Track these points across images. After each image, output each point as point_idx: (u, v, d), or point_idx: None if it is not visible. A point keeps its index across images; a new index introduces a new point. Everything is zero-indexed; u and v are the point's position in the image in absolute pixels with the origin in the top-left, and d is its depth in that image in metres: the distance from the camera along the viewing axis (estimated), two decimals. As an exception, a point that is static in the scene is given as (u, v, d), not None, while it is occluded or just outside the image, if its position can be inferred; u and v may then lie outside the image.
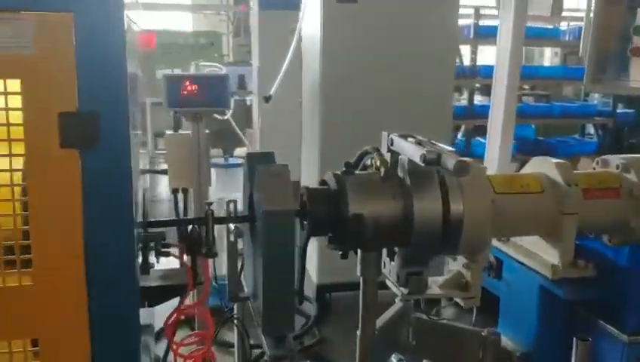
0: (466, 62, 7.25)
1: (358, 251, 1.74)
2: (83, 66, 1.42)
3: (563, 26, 9.74)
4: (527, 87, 8.73)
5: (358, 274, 1.74)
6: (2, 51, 1.37)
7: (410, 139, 1.76)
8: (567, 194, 2.02)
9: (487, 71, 6.05)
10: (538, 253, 2.21)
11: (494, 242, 2.30)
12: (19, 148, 1.43)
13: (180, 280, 1.90)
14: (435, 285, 1.90)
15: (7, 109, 1.41)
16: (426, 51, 4.08)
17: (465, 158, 1.57)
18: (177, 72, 4.60)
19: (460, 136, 7.43)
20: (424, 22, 4.08)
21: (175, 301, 1.99)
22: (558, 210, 2.02)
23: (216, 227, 1.84)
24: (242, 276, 1.99)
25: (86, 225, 1.48)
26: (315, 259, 4.07)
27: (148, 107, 7.18)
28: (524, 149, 6.82)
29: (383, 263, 1.90)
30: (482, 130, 5.56)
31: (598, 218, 2.13)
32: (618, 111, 8.14)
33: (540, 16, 11.20)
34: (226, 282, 1.95)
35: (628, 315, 2.14)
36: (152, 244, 1.84)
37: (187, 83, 3.05)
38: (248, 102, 6.05)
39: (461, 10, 4.70)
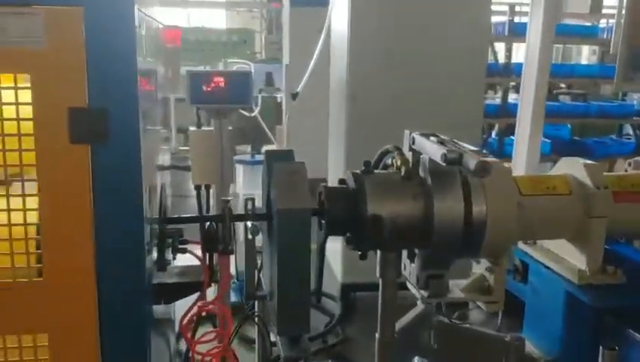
0: (501, 59, 7.15)
1: (378, 252, 1.70)
2: (93, 61, 1.42)
3: (602, 23, 9.50)
4: (563, 85, 8.54)
5: (377, 275, 1.71)
6: (13, 45, 1.37)
7: (432, 138, 1.72)
8: (595, 197, 1.96)
9: (522, 69, 5.93)
10: (565, 258, 2.15)
11: (520, 245, 2.24)
12: (29, 143, 1.43)
13: (196, 277, 1.89)
14: (457, 288, 1.85)
15: (17, 104, 1.41)
16: (456, 49, 3.98)
17: (488, 158, 1.52)
18: (206, 68, 4.62)
19: (493, 134, 7.32)
20: (454, 19, 3.99)
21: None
22: (586, 213, 1.97)
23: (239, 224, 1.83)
24: (261, 274, 1.98)
25: (96, 220, 1.48)
26: (340, 258, 4.04)
27: (172, 103, 7.23)
28: (559, 149, 6.67)
29: (403, 265, 1.86)
30: (516, 129, 5.46)
31: (630, 222, 2.07)
32: (657, 111, 7.93)
33: (578, 13, 10.95)
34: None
35: (659, 324, 2.06)
36: (169, 241, 1.83)
37: (210, 79, 3.04)
38: (279, 100, 6.06)
39: (496, 7, 4.60)
